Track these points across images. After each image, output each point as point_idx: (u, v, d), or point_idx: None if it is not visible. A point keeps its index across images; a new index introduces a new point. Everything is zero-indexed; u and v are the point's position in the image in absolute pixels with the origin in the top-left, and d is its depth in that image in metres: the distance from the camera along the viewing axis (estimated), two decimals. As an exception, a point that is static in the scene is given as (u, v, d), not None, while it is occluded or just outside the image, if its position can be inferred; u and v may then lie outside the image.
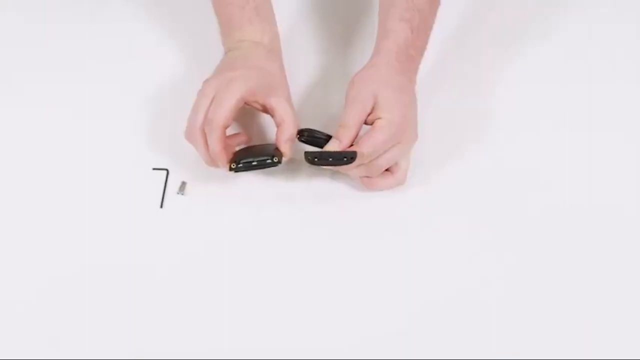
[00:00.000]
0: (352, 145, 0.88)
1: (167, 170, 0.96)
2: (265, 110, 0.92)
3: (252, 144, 0.96)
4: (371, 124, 0.88)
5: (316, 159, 0.87)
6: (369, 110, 0.89)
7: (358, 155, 0.86)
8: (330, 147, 0.88)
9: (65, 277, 0.88)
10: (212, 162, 0.90)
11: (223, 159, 0.89)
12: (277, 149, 0.90)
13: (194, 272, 0.89)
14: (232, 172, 0.89)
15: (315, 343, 0.85)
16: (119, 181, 0.95)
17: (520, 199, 0.95)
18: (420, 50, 0.96)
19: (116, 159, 0.97)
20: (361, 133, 0.89)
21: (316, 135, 0.91)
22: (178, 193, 0.94)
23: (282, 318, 0.86)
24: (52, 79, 1.04)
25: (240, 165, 0.89)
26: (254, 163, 0.89)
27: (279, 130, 0.90)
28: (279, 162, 0.89)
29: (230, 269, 0.89)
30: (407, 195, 0.94)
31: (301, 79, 1.03)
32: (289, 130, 0.90)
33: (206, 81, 0.91)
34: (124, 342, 0.84)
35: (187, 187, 0.95)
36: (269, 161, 0.89)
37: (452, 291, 0.88)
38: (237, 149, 0.94)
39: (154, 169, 0.96)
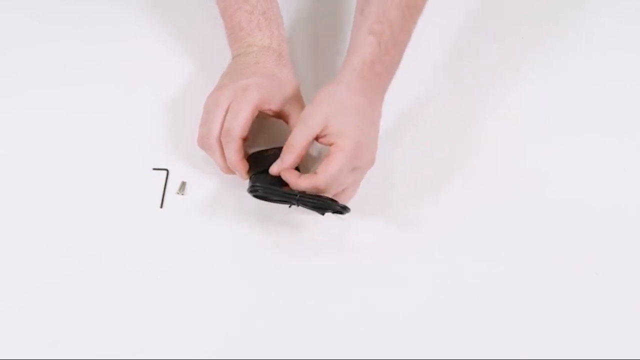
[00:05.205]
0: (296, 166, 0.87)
1: (167, 170, 0.96)
2: (279, 115, 0.92)
3: (269, 144, 0.94)
4: (324, 144, 0.86)
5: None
6: (316, 133, 0.85)
7: (313, 187, 0.85)
8: (274, 168, 0.87)
9: (65, 276, 0.88)
10: (228, 171, 0.90)
11: (241, 168, 0.89)
12: None
13: (194, 272, 0.89)
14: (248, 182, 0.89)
15: (316, 343, 0.85)
16: (119, 181, 0.95)
17: (520, 199, 0.95)
18: (389, 67, 0.89)
19: (116, 159, 0.97)
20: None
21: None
22: (178, 193, 0.94)
23: (281, 318, 0.86)
24: (52, 80, 1.04)
25: (260, 194, 0.87)
26: (275, 198, 0.87)
27: None
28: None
29: (230, 269, 0.89)
30: (407, 195, 0.94)
31: (301, 79, 1.03)
32: None
33: (219, 90, 0.91)
34: (124, 342, 0.84)
35: (187, 187, 0.95)
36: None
37: (452, 291, 0.89)
38: (250, 151, 0.93)
39: (154, 169, 0.96)
